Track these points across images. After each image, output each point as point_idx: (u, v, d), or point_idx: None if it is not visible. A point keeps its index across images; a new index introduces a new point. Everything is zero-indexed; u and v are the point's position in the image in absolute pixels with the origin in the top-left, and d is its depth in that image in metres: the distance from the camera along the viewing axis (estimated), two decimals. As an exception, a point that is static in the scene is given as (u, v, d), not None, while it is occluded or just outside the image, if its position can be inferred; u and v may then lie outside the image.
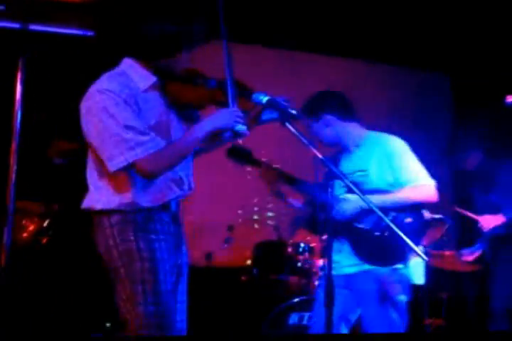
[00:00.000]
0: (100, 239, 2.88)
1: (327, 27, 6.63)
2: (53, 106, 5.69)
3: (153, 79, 2.91)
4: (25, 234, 4.72)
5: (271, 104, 2.93)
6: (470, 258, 5.19)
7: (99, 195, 2.88)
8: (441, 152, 7.09)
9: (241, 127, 2.84)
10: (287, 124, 2.87)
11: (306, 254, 5.06)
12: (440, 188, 3.73)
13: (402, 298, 3.65)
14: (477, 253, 5.15)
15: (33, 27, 5.54)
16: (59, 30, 6.07)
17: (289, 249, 5.07)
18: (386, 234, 3.55)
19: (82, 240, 5.17)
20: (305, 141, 2.83)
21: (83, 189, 2.97)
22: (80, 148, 5.31)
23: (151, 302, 2.78)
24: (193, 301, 3.14)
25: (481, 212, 5.05)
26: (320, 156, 2.87)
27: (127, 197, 2.83)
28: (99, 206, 2.87)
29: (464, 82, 7.52)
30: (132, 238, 2.83)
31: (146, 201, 2.87)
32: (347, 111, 3.88)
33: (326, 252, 2.92)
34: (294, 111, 2.92)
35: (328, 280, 2.84)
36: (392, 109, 7.25)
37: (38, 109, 5.39)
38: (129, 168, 2.77)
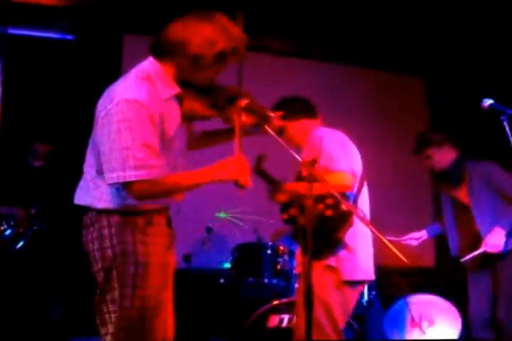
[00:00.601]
0: (93, 237, 2.83)
1: (305, 31, 6.68)
2: (32, 109, 5.69)
3: (176, 89, 2.86)
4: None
5: (249, 108, 2.96)
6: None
7: (101, 194, 2.82)
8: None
9: (245, 180, 2.82)
10: (267, 128, 2.92)
11: (286, 257, 5.07)
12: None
13: None
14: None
15: (12, 31, 5.62)
16: (38, 33, 6.08)
17: (269, 251, 5.08)
18: None
19: (61, 243, 5.24)
20: (284, 144, 2.87)
21: (61, 191, 2.96)
22: (56, 151, 5.40)
23: (137, 307, 2.77)
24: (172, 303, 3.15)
25: None
26: (299, 158, 2.91)
27: (132, 198, 2.77)
28: (101, 205, 2.82)
29: (440, 86, 7.59)
30: (130, 240, 2.80)
31: (149, 204, 2.86)
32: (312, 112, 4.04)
33: (304, 254, 2.93)
34: (272, 115, 2.95)
35: (307, 282, 2.86)
36: (370, 111, 7.30)
37: (17, 111, 5.42)
38: (123, 184, 2.72)
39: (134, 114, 2.67)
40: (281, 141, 2.90)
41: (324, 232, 3.54)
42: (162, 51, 2.84)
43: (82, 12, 6.08)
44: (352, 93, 7.25)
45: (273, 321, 4.86)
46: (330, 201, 3.54)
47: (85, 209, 2.89)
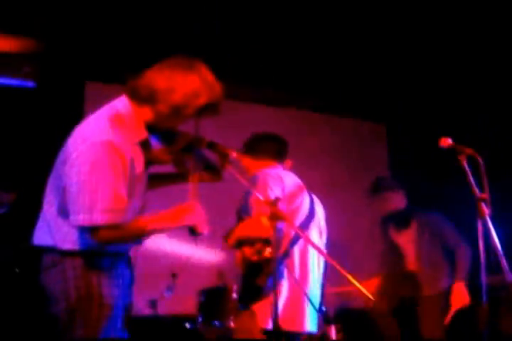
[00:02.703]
0: (56, 279, 2.79)
1: (268, 78, 6.77)
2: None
3: (145, 134, 2.87)
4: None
5: (210, 147, 3.03)
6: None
7: (64, 235, 2.79)
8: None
9: (203, 227, 2.88)
10: (228, 167, 2.95)
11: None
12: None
13: None
14: None
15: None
16: (-1, 80, 6.08)
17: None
18: None
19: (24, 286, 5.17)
20: (245, 183, 2.90)
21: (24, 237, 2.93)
22: (19, 198, 5.36)
23: None
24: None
25: None
26: (260, 197, 2.94)
27: (95, 241, 2.74)
28: (65, 246, 2.78)
29: (400, 130, 7.71)
30: (95, 283, 2.78)
31: (114, 246, 2.85)
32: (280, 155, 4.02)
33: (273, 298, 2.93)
34: (234, 153, 2.99)
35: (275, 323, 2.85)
36: (333, 156, 7.37)
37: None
38: (88, 227, 2.70)
39: (106, 157, 2.66)
40: (243, 181, 2.92)
41: (248, 278, 3.56)
42: (142, 96, 2.84)
43: (42, 59, 6.08)
44: (314, 139, 7.32)
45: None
46: (258, 246, 3.48)
47: (44, 250, 2.85)
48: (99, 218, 2.65)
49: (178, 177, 3.14)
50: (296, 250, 3.66)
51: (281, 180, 3.73)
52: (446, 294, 5.03)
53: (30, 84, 6.13)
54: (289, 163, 4.07)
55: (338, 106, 7.40)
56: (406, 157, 7.41)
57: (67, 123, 5.35)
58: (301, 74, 6.79)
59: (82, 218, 2.66)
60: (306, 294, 3.50)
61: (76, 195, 2.67)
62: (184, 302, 5.58)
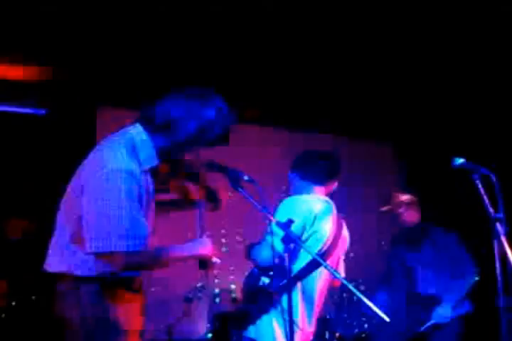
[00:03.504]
0: (72, 306, 2.78)
1: (276, 101, 6.80)
2: (8, 184, 5.67)
3: (155, 161, 2.87)
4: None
5: (221, 170, 3.02)
6: None
7: (79, 261, 2.77)
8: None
9: (216, 259, 3.00)
10: (239, 189, 2.95)
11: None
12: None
13: None
14: None
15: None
16: (10, 109, 6.10)
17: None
18: None
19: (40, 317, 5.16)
20: (257, 206, 2.89)
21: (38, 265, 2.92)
22: (35, 226, 5.38)
23: None
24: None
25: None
26: (272, 220, 2.93)
27: (113, 267, 2.74)
28: (80, 272, 2.77)
29: (410, 150, 7.69)
30: (111, 308, 2.77)
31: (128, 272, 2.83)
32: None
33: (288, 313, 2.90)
34: (245, 177, 2.99)
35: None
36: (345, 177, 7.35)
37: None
38: (104, 255, 2.70)
39: (124, 184, 2.67)
40: (254, 203, 2.92)
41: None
42: (157, 124, 2.85)
43: (52, 86, 6.12)
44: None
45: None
46: None
47: (58, 277, 2.83)
48: (120, 244, 2.65)
49: (181, 204, 3.19)
50: (298, 284, 3.55)
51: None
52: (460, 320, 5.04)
53: (41, 111, 6.16)
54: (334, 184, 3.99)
55: (348, 127, 7.39)
56: (418, 177, 7.38)
57: (79, 149, 5.41)
58: (311, 97, 6.80)
59: (100, 245, 2.65)
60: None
61: (94, 221, 2.67)
62: (200, 327, 5.57)
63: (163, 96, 2.92)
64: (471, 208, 3.66)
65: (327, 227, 3.68)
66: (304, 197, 3.75)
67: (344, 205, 6.83)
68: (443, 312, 4.98)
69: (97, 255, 2.71)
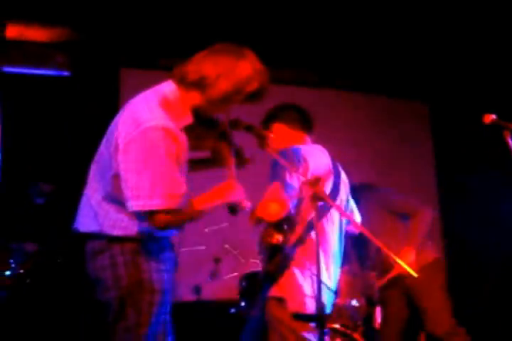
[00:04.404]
0: (105, 266, 2.79)
1: (306, 54, 6.71)
2: (32, 146, 5.68)
3: (190, 119, 2.87)
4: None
5: (248, 129, 3.05)
6: None
7: (113, 220, 2.78)
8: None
9: (247, 202, 2.95)
10: (267, 149, 2.93)
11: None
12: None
13: None
14: None
15: (8, 69, 5.64)
16: (34, 71, 6.09)
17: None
18: None
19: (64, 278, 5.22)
20: (284, 163, 2.87)
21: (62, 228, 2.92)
22: (57, 189, 5.40)
23: (152, 333, 2.76)
24: (184, 336, 3.11)
25: None
26: (302, 177, 2.90)
27: (146, 225, 2.74)
28: (115, 232, 2.78)
29: (441, 107, 7.58)
30: (146, 268, 2.78)
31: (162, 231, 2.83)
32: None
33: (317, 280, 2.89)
34: (272, 135, 2.97)
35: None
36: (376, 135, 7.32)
37: (17, 149, 5.41)
38: (146, 214, 2.69)
39: (162, 142, 2.65)
40: (283, 162, 2.89)
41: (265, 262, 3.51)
42: (191, 81, 2.82)
43: (76, 48, 6.09)
44: (358, 116, 7.29)
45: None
46: (269, 230, 3.38)
47: (90, 237, 2.85)
48: (159, 203, 2.65)
49: (212, 162, 3.16)
50: (313, 236, 3.40)
51: (305, 160, 3.49)
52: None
53: (65, 73, 6.14)
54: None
55: (380, 85, 7.30)
56: (450, 134, 7.29)
57: (103, 110, 5.43)
58: (343, 54, 6.72)
59: (141, 204, 2.65)
60: (318, 278, 3.29)
61: (133, 180, 2.66)
62: (228, 288, 5.59)
63: (195, 54, 2.90)
64: (502, 165, 3.60)
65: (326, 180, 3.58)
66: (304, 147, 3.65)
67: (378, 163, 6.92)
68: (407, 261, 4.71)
69: (138, 214, 2.71)
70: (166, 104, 2.78)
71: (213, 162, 3.16)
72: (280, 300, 3.38)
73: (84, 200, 2.92)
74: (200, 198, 2.85)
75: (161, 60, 6.07)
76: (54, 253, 5.19)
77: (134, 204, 2.66)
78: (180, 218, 2.78)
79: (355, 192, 4.48)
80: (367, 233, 2.88)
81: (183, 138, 2.80)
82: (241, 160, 3.15)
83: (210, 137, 3.07)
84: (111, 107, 5.54)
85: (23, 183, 5.38)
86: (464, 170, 6.51)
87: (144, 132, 2.65)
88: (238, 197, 2.90)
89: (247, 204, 2.94)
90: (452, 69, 6.98)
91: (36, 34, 5.93)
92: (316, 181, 2.90)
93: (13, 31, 5.79)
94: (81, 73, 6.13)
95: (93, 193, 2.85)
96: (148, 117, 2.70)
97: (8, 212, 5.22)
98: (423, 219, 4.81)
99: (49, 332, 5.13)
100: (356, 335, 4.56)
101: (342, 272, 4.45)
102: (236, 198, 2.90)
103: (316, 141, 3.81)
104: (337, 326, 4.61)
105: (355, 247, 4.94)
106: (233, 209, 2.91)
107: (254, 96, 2.91)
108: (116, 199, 2.76)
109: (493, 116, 3.26)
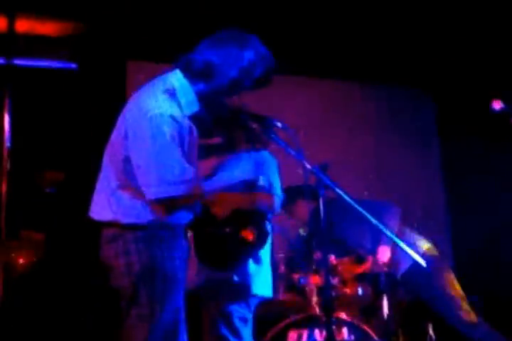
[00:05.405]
0: (119, 253, 2.82)
1: (308, 47, 6.72)
2: (40, 137, 5.72)
3: (197, 107, 2.89)
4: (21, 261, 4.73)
5: (255, 118, 3.03)
6: None
7: (126, 208, 2.82)
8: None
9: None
10: (273, 136, 2.95)
11: (301, 271, 5.02)
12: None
13: None
14: None
15: (17, 62, 5.67)
16: (42, 63, 6.11)
17: (282, 267, 5.04)
18: None
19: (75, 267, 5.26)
20: (291, 152, 2.89)
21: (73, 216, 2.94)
22: (68, 178, 5.43)
23: (164, 321, 2.78)
24: (197, 325, 3.14)
25: None
26: (308, 166, 2.93)
27: (159, 212, 2.79)
28: (127, 220, 2.81)
29: (446, 96, 7.56)
30: (159, 255, 2.81)
31: (176, 218, 2.88)
32: None
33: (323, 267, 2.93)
34: (279, 124, 3.00)
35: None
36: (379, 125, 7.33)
37: (26, 140, 5.45)
38: (164, 200, 2.74)
39: (168, 128, 2.70)
40: (289, 150, 2.93)
41: None
42: (197, 70, 2.86)
43: (83, 41, 6.11)
44: (362, 106, 7.32)
45: (292, 337, 4.80)
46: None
47: (104, 224, 2.88)
48: (172, 190, 2.69)
49: (224, 148, 3.21)
50: None
51: None
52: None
53: (72, 65, 6.16)
54: None
55: (384, 74, 7.30)
56: (455, 121, 7.29)
57: (110, 102, 5.46)
58: (346, 43, 6.73)
59: (159, 191, 2.70)
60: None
61: (146, 167, 2.71)
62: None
63: (200, 42, 2.94)
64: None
65: None
66: None
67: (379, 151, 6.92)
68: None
69: (157, 201, 2.75)
70: (171, 92, 2.82)
71: (225, 148, 3.22)
72: None
73: (98, 189, 2.95)
74: (210, 183, 3.00)
75: (168, 52, 6.08)
76: (65, 242, 5.23)
77: (152, 192, 2.71)
78: (190, 202, 2.86)
79: None
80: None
81: (190, 125, 2.83)
82: (259, 144, 3.22)
83: (221, 124, 3.11)
84: (117, 99, 5.56)
85: (32, 173, 5.42)
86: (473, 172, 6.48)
87: (149, 120, 2.69)
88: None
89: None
90: (457, 62, 6.98)
91: (44, 27, 5.95)
92: (325, 167, 2.95)
93: (21, 24, 5.82)
94: (88, 65, 6.16)
95: (106, 182, 2.89)
96: (154, 105, 2.74)
97: (19, 201, 5.25)
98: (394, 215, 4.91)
99: (60, 321, 5.19)
100: (364, 326, 4.59)
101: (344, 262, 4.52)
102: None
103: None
104: (344, 316, 4.65)
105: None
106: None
107: (262, 82, 2.93)
108: (128, 187, 2.80)
109: (501, 102, 3.26)
